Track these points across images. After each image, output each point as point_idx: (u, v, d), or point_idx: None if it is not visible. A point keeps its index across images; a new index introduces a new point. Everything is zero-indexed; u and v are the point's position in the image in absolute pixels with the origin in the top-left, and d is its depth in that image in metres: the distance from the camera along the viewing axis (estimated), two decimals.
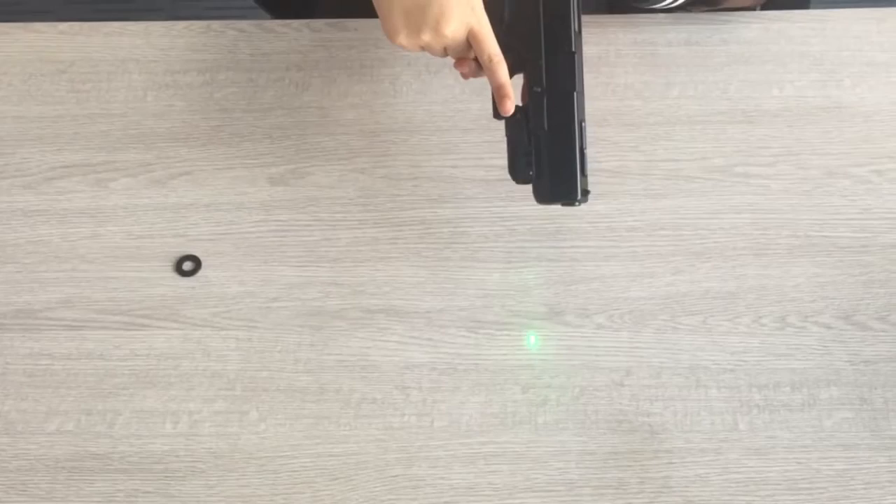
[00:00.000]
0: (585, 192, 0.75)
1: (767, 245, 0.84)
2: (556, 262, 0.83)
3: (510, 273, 0.83)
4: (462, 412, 0.78)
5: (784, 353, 0.79)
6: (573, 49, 0.74)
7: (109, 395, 0.79)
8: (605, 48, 0.93)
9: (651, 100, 0.90)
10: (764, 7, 1.04)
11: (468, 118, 0.90)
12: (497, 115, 0.76)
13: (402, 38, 0.72)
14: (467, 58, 0.75)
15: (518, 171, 0.77)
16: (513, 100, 0.74)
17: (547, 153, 0.75)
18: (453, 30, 0.71)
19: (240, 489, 0.75)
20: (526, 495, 0.74)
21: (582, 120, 0.75)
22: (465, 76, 0.76)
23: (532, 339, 0.80)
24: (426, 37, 0.71)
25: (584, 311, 0.81)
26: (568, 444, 0.76)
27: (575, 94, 0.74)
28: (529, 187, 0.77)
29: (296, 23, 0.96)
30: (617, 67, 0.92)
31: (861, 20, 0.94)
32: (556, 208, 0.85)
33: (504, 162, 0.77)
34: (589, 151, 0.86)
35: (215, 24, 0.96)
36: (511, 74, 0.75)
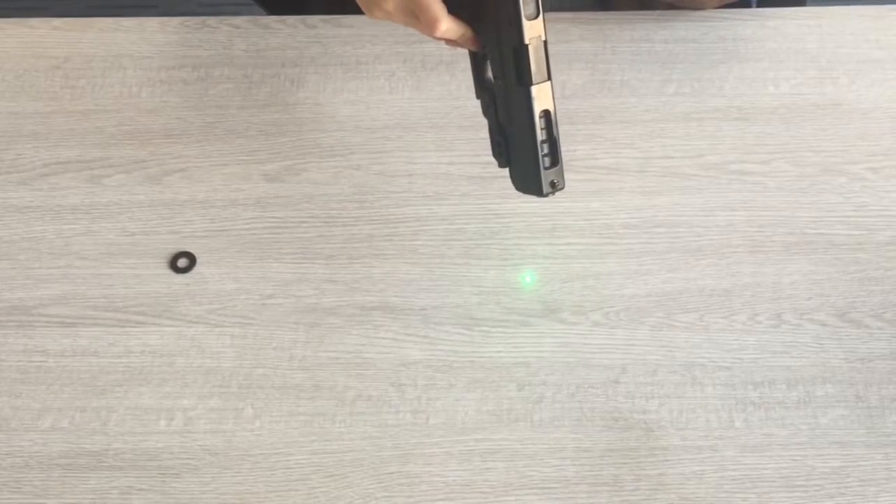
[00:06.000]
0: (553, 185, 0.71)
1: (763, 242, 0.83)
2: (551, 259, 0.83)
3: (506, 270, 0.83)
4: (457, 409, 0.77)
5: (779, 350, 0.79)
6: (525, 41, 0.67)
7: (104, 392, 0.79)
8: (600, 45, 0.93)
9: (647, 97, 0.90)
10: (760, 4, 1.04)
11: (464, 115, 0.90)
12: (477, 94, 0.74)
13: (366, 12, 0.74)
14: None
15: (495, 156, 0.74)
16: (440, 21, 0.69)
17: (511, 145, 0.72)
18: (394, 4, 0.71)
19: (234, 486, 0.75)
20: (521, 492, 0.74)
21: (547, 109, 0.69)
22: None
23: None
24: (378, 14, 0.73)
25: (580, 308, 0.81)
26: (563, 441, 0.76)
27: (533, 87, 0.68)
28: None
29: (291, 19, 0.95)
30: (612, 64, 0.92)
31: (857, 17, 0.94)
32: (552, 206, 0.85)
33: None
34: (584, 148, 0.87)
35: (210, 20, 0.96)
36: (485, 62, 0.72)
